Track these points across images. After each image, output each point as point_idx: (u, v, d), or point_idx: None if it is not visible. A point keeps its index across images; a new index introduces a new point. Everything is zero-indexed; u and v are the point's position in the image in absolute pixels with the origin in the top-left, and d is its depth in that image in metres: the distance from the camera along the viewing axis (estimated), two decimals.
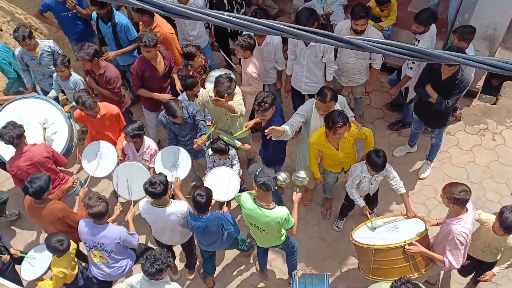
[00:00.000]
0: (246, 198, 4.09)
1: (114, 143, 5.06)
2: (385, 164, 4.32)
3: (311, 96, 5.43)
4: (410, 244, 3.96)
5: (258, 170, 3.91)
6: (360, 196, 4.68)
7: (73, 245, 4.29)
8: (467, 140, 5.85)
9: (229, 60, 5.79)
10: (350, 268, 5.09)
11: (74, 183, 4.78)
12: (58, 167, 4.90)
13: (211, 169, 4.86)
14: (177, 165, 4.83)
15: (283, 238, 4.28)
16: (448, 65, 4.42)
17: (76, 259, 4.39)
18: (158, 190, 4.04)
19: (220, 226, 4.20)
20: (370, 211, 4.55)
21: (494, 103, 6.11)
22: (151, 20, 5.31)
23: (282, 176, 4.45)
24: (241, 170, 4.96)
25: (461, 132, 5.92)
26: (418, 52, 1.75)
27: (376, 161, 4.25)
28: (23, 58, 5.55)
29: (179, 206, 4.29)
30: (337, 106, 4.51)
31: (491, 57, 1.66)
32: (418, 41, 5.12)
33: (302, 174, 4.50)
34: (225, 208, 4.37)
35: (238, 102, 4.77)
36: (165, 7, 1.89)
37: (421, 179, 5.62)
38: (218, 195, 4.53)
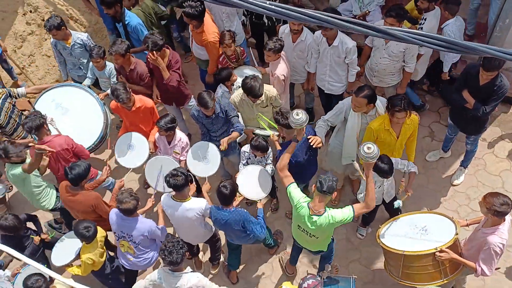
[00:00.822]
0: (300, 202, 3.90)
1: (147, 136, 5.17)
2: (392, 169, 4.28)
3: (334, 96, 5.43)
4: (441, 250, 3.88)
5: (327, 176, 3.73)
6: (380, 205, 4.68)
7: (101, 232, 4.40)
8: (503, 147, 5.68)
9: (255, 61, 5.80)
10: (376, 272, 5.03)
11: (108, 174, 4.92)
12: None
13: (244, 166, 4.87)
14: (207, 161, 4.89)
15: (328, 241, 4.24)
16: (486, 70, 4.32)
17: (104, 247, 4.50)
18: (179, 182, 4.08)
19: (241, 224, 4.16)
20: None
21: None
22: (199, 24, 5.27)
23: (301, 113, 3.99)
24: (274, 170, 4.90)
25: (497, 139, 5.76)
26: (453, 44, 1.73)
27: (382, 167, 4.23)
28: (57, 46, 5.74)
29: (198, 203, 4.29)
30: (379, 108, 4.48)
31: None
32: (425, 20, 5.14)
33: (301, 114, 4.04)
34: (259, 204, 4.40)
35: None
36: None
37: (454, 185, 5.49)
38: (250, 193, 4.55)
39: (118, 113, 5.36)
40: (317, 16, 1.83)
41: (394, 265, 4.25)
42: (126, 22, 5.60)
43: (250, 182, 4.61)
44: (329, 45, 5.00)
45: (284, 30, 5.29)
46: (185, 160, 5.05)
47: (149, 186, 5.34)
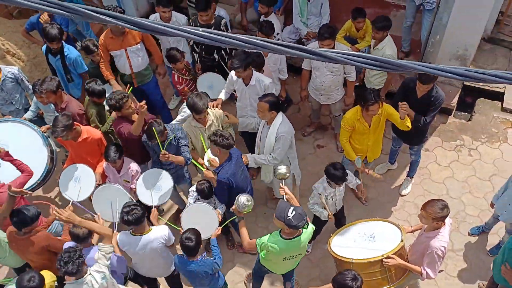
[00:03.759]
0: (275, 243, 3.86)
1: (94, 168, 4.99)
2: (346, 174, 4.40)
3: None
4: (388, 257, 3.99)
5: (292, 214, 3.65)
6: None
7: (51, 277, 4.14)
8: (445, 156, 5.99)
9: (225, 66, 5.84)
10: None
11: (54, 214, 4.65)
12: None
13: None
14: (159, 188, 4.78)
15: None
16: (423, 83, 4.57)
17: None
18: (138, 215, 3.97)
19: (209, 273, 4.09)
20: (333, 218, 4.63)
21: (469, 120, 6.29)
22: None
23: (282, 168, 4.43)
24: (223, 209, 4.74)
25: (439, 148, 6.06)
26: (387, 63, 1.82)
27: (336, 174, 4.34)
28: None
29: (161, 231, 4.19)
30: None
31: (457, 66, 1.75)
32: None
33: (283, 169, 4.45)
34: (213, 235, 4.33)
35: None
36: (140, 24, 1.93)
37: (403, 195, 5.70)
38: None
39: (63, 144, 5.18)
40: (252, 42, 1.86)
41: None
42: (65, 55, 5.48)
43: (195, 220, 4.40)
44: (246, 85, 5.03)
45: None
46: (135, 188, 4.94)
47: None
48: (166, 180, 4.79)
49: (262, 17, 5.93)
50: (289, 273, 4.57)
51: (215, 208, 4.63)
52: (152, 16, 6.01)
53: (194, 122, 4.86)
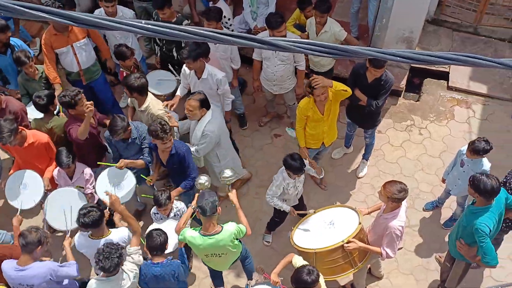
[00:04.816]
0: (192, 237, 3.93)
1: (42, 173, 4.78)
2: (304, 165, 4.45)
3: None
4: (348, 241, 4.08)
5: (200, 196, 3.84)
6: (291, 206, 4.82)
7: None
8: (396, 136, 6.17)
9: (174, 71, 5.74)
10: None
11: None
12: None
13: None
14: (121, 186, 4.64)
15: (238, 249, 4.24)
16: (375, 67, 4.67)
17: None
18: (95, 217, 3.82)
19: (175, 276, 3.96)
20: (295, 213, 4.70)
21: (418, 100, 6.51)
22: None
23: (202, 179, 4.47)
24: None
25: (391, 129, 6.24)
26: (336, 49, 1.83)
27: (294, 165, 4.37)
28: None
29: (120, 233, 4.07)
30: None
31: (404, 50, 1.78)
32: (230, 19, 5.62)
33: (228, 173, 4.56)
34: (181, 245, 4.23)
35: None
36: (78, 19, 1.82)
37: (359, 177, 5.84)
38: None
39: (8, 151, 4.92)
40: (201, 33, 1.81)
41: (309, 263, 4.37)
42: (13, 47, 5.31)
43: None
44: (198, 79, 4.99)
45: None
46: (91, 192, 4.78)
47: (54, 230, 4.92)
48: (128, 179, 4.66)
49: (211, 4, 5.88)
50: (242, 259, 4.54)
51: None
52: (96, 11, 5.81)
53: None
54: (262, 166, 6.00)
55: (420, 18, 5.84)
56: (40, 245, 3.83)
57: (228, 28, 5.80)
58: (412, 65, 6.50)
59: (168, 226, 4.41)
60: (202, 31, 1.80)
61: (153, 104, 4.91)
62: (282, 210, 4.71)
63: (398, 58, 1.87)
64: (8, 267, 3.86)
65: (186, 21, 5.64)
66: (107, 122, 4.79)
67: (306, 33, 5.72)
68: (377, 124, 5.49)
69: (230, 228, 3.96)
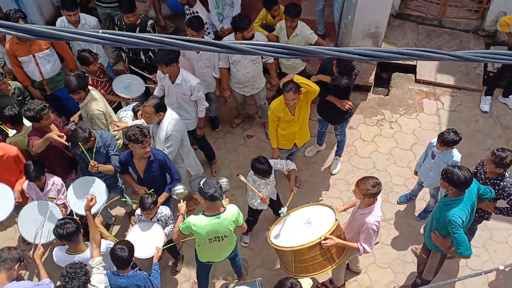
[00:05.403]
0: (197, 221, 3.92)
1: (12, 186, 4.66)
2: (271, 167, 4.48)
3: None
4: (325, 238, 4.09)
5: (202, 182, 3.80)
6: (266, 205, 4.85)
7: None
8: (368, 131, 6.23)
9: (143, 73, 5.66)
10: (280, 273, 5.14)
11: None
12: None
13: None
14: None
15: (235, 238, 4.32)
16: (341, 74, 4.78)
17: None
18: (70, 229, 3.77)
19: (141, 287, 3.87)
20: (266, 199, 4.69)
21: (387, 95, 6.60)
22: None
23: (179, 188, 4.49)
24: (171, 232, 4.50)
25: (362, 125, 6.30)
26: (295, 50, 1.81)
27: (262, 168, 4.42)
28: None
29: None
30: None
31: (360, 47, 1.77)
32: (196, 12, 5.65)
33: (180, 189, 4.53)
34: (155, 258, 4.17)
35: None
36: (35, 32, 1.76)
37: (333, 174, 5.87)
38: (141, 252, 4.22)
39: None
40: (157, 40, 1.77)
41: (287, 262, 4.39)
42: None
43: (141, 240, 4.30)
44: (172, 83, 4.95)
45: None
46: (63, 202, 4.66)
47: (28, 243, 4.79)
48: (99, 188, 4.56)
49: (187, 9, 5.80)
50: (232, 256, 4.54)
51: (164, 228, 4.50)
52: (59, 20, 5.69)
53: None
54: (236, 167, 5.97)
55: (385, 13, 5.92)
56: (19, 263, 3.77)
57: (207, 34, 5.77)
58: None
59: (151, 230, 4.38)
60: (158, 38, 1.75)
61: (90, 103, 4.88)
62: (256, 205, 4.73)
63: (355, 56, 1.87)
64: None
65: (150, 21, 5.61)
66: None
67: (273, 32, 5.71)
68: (346, 120, 5.51)
69: (232, 209, 4.03)
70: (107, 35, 1.76)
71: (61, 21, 5.58)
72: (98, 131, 4.67)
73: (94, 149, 4.45)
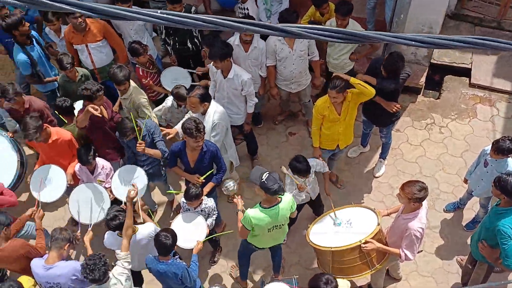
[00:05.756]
0: (255, 214, 3.94)
1: (65, 169, 4.86)
2: (310, 166, 4.42)
3: (234, 126, 5.36)
4: (366, 241, 3.98)
5: (265, 177, 3.77)
6: (306, 203, 4.83)
7: (29, 282, 4.09)
8: (415, 135, 6.02)
9: (190, 70, 5.74)
10: (316, 271, 5.04)
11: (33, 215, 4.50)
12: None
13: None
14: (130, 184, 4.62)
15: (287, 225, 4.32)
16: (387, 73, 4.63)
17: None
18: (118, 223, 3.96)
19: (179, 278, 3.93)
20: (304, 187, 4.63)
21: (438, 98, 6.34)
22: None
23: (229, 185, 4.52)
24: (213, 222, 4.62)
25: (410, 128, 6.09)
26: (350, 35, 1.75)
27: (300, 167, 4.37)
28: None
29: (146, 230, 4.16)
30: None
31: (419, 34, 1.69)
32: (247, 9, 5.59)
33: (231, 185, 4.55)
34: (195, 250, 4.20)
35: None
36: (96, 10, 1.81)
37: (377, 177, 5.71)
38: (183, 242, 4.26)
39: (34, 147, 5.02)
40: (212, 21, 1.76)
41: (325, 262, 4.31)
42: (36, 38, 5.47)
43: (184, 230, 4.35)
44: (224, 78, 4.98)
45: (233, 41, 5.18)
46: (110, 187, 4.82)
47: (77, 223, 4.99)
48: (140, 177, 4.68)
49: (239, 5, 5.83)
50: (276, 248, 4.57)
51: (206, 219, 4.53)
52: None
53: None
54: (277, 164, 5.91)
55: (440, 12, 5.69)
56: (69, 243, 3.96)
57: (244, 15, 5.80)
58: (432, 61, 6.34)
59: (195, 221, 4.43)
60: (214, 19, 1.74)
61: (138, 92, 5.01)
62: (297, 198, 4.65)
63: (411, 42, 1.78)
64: (37, 266, 3.95)
65: (193, 8, 5.71)
66: None
67: None
68: (392, 123, 5.35)
69: (287, 198, 4.06)
70: (164, 15, 1.78)
71: None
72: (142, 120, 4.77)
73: (142, 133, 4.58)
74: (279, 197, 3.98)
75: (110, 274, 3.74)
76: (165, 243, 3.80)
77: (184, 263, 4.02)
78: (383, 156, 5.69)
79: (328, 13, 5.72)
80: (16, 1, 1.79)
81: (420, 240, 3.99)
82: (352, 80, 4.48)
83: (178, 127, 4.92)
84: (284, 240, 5.27)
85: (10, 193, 4.65)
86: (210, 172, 4.60)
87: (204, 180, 4.58)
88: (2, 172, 4.83)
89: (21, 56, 5.38)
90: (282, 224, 4.13)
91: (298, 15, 5.03)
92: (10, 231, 4.21)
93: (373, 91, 4.52)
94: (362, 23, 5.55)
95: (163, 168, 5.10)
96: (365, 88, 4.49)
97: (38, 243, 4.30)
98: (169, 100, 5.25)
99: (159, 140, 4.73)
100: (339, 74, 4.59)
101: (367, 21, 6.40)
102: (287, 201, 4.03)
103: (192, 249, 4.26)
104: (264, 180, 3.76)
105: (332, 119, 4.71)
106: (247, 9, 5.83)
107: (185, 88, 5.09)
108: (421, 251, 5.03)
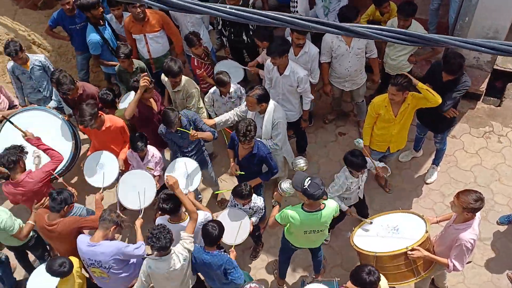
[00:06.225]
0: (295, 214, 3.94)
1: (116, 155, 5.05)
2: (365, 161, 4.30)
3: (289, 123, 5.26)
4: (413, 249, 3.89)
5: (307, 183, 3.72)
6: (352, 206, 4.73)
7: (77, 263, 4.22)
8: (472, 143, 5.80)
9: (242, 67, 5.82)
10: None
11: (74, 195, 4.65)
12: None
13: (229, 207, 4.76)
14: (189, 176, 4.77)
15: (327, 232, 4.28)
16: (447, 74, 4.49)
17: (84, 277, 4.32)
18: (170, 206, 4.04)
19: (223, 269, 3.97)
20: (352, 214, 4.63)
21: (499, 105, 6.08)
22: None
23: (300, 162, 4.44)
24: (257, 220, 4.67)
25: (467, 135, 5.88)
26: (417, 37, 1.74)
27: (356, 161, 4.25)
28: (15, 72, 5.64)
29: (198, 217, 4.18)
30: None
31: (490, 40, 1.65)
32: (296, 2, 5.50)
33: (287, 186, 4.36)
34: (233, 254, 4.21)
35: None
36: (168, 2, 1.91)
37: (428, 183, 5.56)
38: (225, 237, 4.29)
39: (87, 133, 5.24)
40: (280, 18, 1.81)
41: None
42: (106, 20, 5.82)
43: (229, 225, 4.39)
44: (280, 74, 4.98)
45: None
46: (160, 175, 4.97)
47: (124, 209, 5.20)
48: (194, 168, 4.79)
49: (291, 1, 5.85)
50: (316, 249, 4.55)
51: (251, 217, 4.59)
52: None
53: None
54: (324, 163, 5.91)
55: (507, 16, 5.42)
56: (115, 226, 4.11)
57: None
58: (494, 67, 6.07)
59: (240, 218, 4.47)
60: (281, 16, 1.79)
61: (191, 83, 5.12)
62: (341, 208, 4.62)
63: (481, 48, 1.75)
64: (82, 241, 4.14)
65: (251, 0, 5.75)
66: None
67: None
68: (448, 130, 5.20)
69: (332, 205, 3.99)
70: (234, 10, 1.85)
71: None
72: (180, 111, 4.84)
73: (189, 125, 4.70)
74: (323, 203, 3.95)
75: (172, 250, 3.84)
76: (211, 233, 3.89)
77: (227, 255, 4.07)
78: (436, 162, 5.53)
79: (388, 13, 5.61)
80: None
81: (470, 251, 3.86)
82: (420, 85, 4.40)
83: (217, 119, 5.01)
84: (327, 240, 5.27)
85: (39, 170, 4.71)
86: (242, 173, 4.67)
87: (241, 173, 4.66)
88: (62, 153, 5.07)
89: (93, 36, 5.70)
90: (321, 230, 4.09)
91: (359, 12, 4.96)
92: (69, 209, 4.38)
93: (439, 99, 4.41)
94: (423, 25, 5.40)
95: (207, 156, 5.20)
96: (432, 95, 4.39)
97: (97, 214, 4.38)
98: (214, 88, 5.35)
99: (203, 124, 4.82)
100: (407, 75, 4.46)
101: (429, 22, 6.21)
102: (331, 208, 3.98)
103: (230, 245, 4.30)
104: (306, 187, 3.72)
105: (387, 119, 4.62)
106: (296, 2, 5.79)
107: (228, 75, 5.11)
108: (470, 262, 4.86)
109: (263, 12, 1.84)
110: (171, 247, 3.82)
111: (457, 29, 5.38)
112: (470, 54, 5.71)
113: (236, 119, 4.93)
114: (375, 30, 1.75)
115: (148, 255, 4.03)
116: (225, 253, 4.08)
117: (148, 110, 5.04)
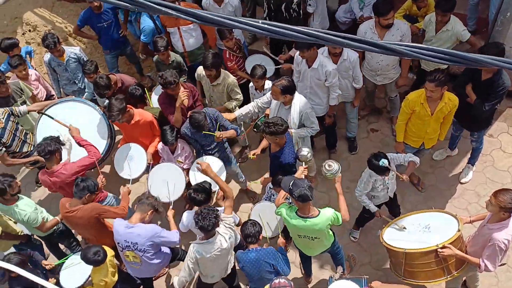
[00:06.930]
0: (288, 215, 4.01)
1: (146, 148, 5.14)
2: (389, 165, 4.20)
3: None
4: (444, 247, 3.84)
5: (291, 183, 3.81)
6: (382, 204, 4.67)
7: (110, 252, 4.34)
8: (510, 142, 5.62)
9: (274, 57, 5.83)
10: (388, 274, 4.97)
11: (103, 182, 4.81)
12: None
13: (265, 200, 4.81)
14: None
15: (330, 239, 4.26)
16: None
17: (115, 265, 4.45)
18: (203, 197, 4.12)
19: (271, 263, 4.01)
20: (381, 215, 4.56)
21: None
22: None
23: (304, 151, 4.38)
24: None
25: (504, 134, 5.69)
26: (455, 56, 1.69)
27: (377, 165, 4.15)
28: (51, 64, 5.82)
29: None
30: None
31: None
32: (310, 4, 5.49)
33: (334, 167, 4.23)
34: (280, 241, 4.26)
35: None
36: (199, 16, 1.92)
37: (463, 183, 5.44)
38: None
39: (117, 126, 5.37)
40: (313, 34, 1.80)
41: (397, 264, 4.23)
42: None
43: (262, 216, 4.51)
44: (308, 67, 4.94)
45: (322, 52, 5.07)
46: (188, 168, 5.06)
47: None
48: (218, 166, 4.84)
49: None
50: (334, 252, 4.52)
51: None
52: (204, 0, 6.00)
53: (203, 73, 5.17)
54: (355, 160, 5.85)
55: None
56: (152, 210, 4.25)
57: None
58: None
59: (271, 213, 4.50)
60: (314, 32, 1.78)
61: (227, 74, 5.16)
62: (367, 209, 4.59)
63: None
64: (119, 224, 4.26)
65: None
66: None
67: (417, 24, 5.38)
68: (485, 128, 5.06)
69: (327, 213, 3.94)
70: (266, 25, 1.85)
71: (206, 0, 5.88)
72: (201, 110, 4.82)
73: (212, 124, 4.73)
74: (318, 210, 3.92)
75: (216, 231, 3.94)
76: (251, 230, 4.00)
77: (272, 247, 4.15)
78: (472, 161, 5.39)
79: (425, 7, 5.46)
80: (124, 3, 1.97)
81: (504, 252, 3.79)
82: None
83: (237, 112, 5.01)
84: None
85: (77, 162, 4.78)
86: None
87: (253, 157, 4.74)
88: (95, 143, 5.12)
89: (149, 23, 5.86)
90: (317, 237, 4.04)
91: (392, 7, 4.84)
92: (93, 198, 4.47)
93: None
94: (462, 20, 5.22)
95: (231, 152, 5.23)
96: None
97: (121, 205, 4.55)
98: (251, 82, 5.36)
99: (225, 121, 4.83)
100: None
101: (468, 17, 6.00)
102: (325, 216, 3.91)
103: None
104: (290, 187, 3.77)
105: (422, 116, 4.52)
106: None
107: (263, 69, 5.09)
108: (504, 264, 4.73)
109: (295, 27, 1.82)
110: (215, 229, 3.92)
111: (497, 25, 5.15)
112: (510, 51, 5.49)
113: (257, 110, 4.95)
114: (413, 48, 1.71)
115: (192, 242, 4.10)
116: (270, 247, 4.14)
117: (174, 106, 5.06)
